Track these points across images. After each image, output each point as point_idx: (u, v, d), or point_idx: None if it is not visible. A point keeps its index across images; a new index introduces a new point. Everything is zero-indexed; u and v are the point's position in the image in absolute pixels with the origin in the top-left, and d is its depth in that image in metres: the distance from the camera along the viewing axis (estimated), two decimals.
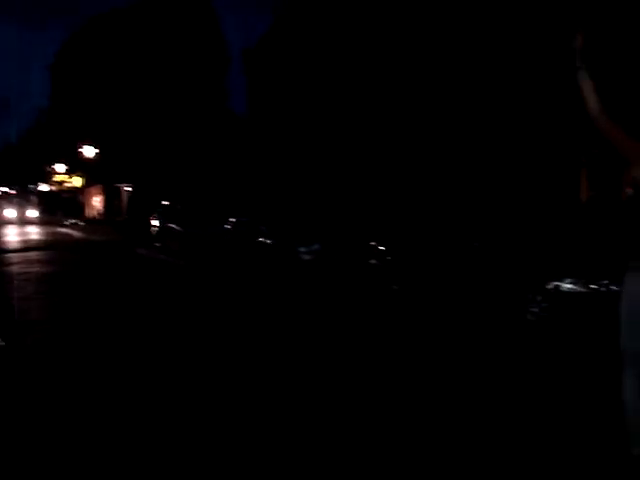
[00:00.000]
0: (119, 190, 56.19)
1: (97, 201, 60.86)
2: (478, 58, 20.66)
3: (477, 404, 7.19)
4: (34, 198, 63.06)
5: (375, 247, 14.78)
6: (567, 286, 9.97)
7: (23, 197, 63.61)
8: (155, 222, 28.14)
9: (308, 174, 29.84)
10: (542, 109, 17.96)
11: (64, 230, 45.56)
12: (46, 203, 65.05)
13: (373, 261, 14.81)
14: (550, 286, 10.14)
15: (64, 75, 63.53)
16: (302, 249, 17.90)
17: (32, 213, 56.89)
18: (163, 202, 28.68)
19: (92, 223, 52.48)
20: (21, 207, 58.52)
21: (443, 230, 13.47)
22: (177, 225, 25.47)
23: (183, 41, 49.15)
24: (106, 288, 17.05)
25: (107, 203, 57.34)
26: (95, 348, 9.98)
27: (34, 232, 41.54)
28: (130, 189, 53.48)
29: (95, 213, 60.53)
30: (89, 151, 48.72)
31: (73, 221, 53.69)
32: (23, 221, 53.20)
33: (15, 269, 21.21)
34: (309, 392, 7.68)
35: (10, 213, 56.14)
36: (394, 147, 24.49)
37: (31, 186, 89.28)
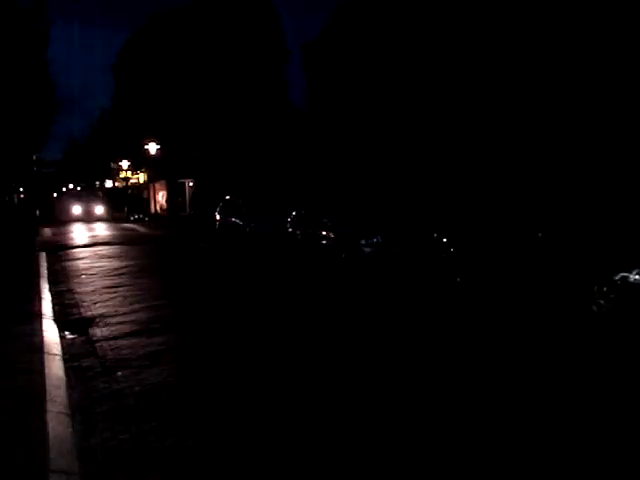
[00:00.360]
0: (182, 185, 57.07)
1: (161, 196, 61.96)
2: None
3: (546, 399, 7.15)
4: (100, 194, 63.37)
5: (438, 239, 14.72)
6: (635, 277, 9.77)
7: (89, 194, 63.71)
8: (218, 216, 28.52)
9: (369, 166, 29.80)
10: (606, 100, 17.62)
11: (129, 225, 46.52)
12: (111, 199, 65.87)
13: (435, 253, 14.75)
14: (617, 277, 9.96)
15: (127, 74, 64.67)
16: (363, 242, 17.93)
17: (98, 209, 56.91)
18: (226, 197, 29.03)
19: (156, 218, 53.44)
20: (87, 204, 57.62)
21: (507, 221, 13.34)
22: (239, 219, 25.78)
23: (243, 36, 49.48)
24: (169, 282, 17.40)
25: (171, 198, 58.28)
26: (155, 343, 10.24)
27: (101, 228, 42.52)
28: (193, 184, 54.26)
29: (159, 208, 61.61)
30: (153, 148, 49.57)
31: (138, 216, 54.73)
32: (90, 217, 53.36)
33: (83, 264, 21.81)
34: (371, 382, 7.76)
35: (76, 210, 56.20)
36: (457, 139, 24.28)
37: (97, 183, 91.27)
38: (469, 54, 23.77)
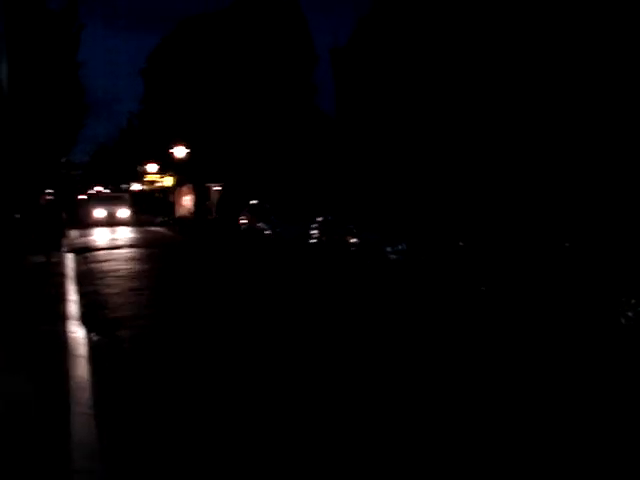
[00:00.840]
0: (209, 189, 57.32)
1: (187, 200, 62.28)
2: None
3: (569, 412, 7.07)
4: (126, 197, 60.96)
5: (463, 247, 14.63)
6: None
7: (114, 197, 61.65)
8: (243, 221, 28.62)
9: (396, 173, 29.73)
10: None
11: (155, 229, 46.83)
12: (137, 202, 65.82)
13: (460, 261, 14.66)
14: None
15: (155, 79, 65.19)
16: (389, 248, 17.87)
17: (123, 213, 54.52)
18: (251, 201, 29.11)
19: (182, 222, 53.73)
20: (112, 206, 54.93)
21: (533, 231, 13.22)
22: (265, 224, 25.83)
23: (271, 41, 49.71)
24: (191, 284, 17.46)
25: (197, 202, 58.55)
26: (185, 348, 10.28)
27: (124, 231, 42.79)
28: (219, 188, 54.50)
29: (185, 212, 61.94)
30: (180, 151, 49.87)
31: (164, 220, 55.04)
32: (114, 221, 52.16)
33: (108, 266, 21.97)
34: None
35: (99, 213, 53.93)
36: (487, 147, 24.14)
37: (124, 186, 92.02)
38: (499, 59, 23.63)
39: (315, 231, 22.20)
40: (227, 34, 50.08)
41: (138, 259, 24.89)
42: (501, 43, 23.53)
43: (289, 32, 51.39)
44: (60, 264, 20.97)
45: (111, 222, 51.13)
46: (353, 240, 19.27)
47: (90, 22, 61.41)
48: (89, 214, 52.88)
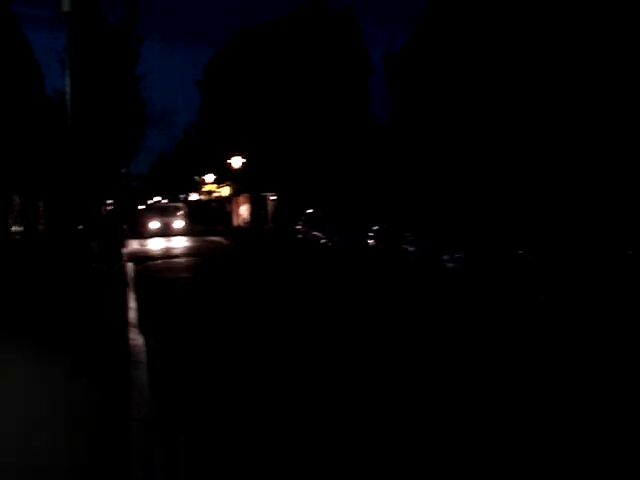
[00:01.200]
0: (265, 199, 57.80)
1: (244, 210, 62.87)
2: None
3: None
4: (181, 207, 59.56)
5: (522, 255, 14.41)
6: None
7: (170, 207, 60.53)
8: (300, 230, 28.75)
9: (453, 181, 29.52)
10: None
11: (212, 238, 47.33)
12: (194, 212, 66.52)
13: (519, 269, 14.45)
14: None
15: (212, 90, 66.11)
16: (446, 257, 17.72)
17: (178, 223, 52.90)
18: (307, 210, 29.21)
19: (239, 231, 54.19)
20: (167, 217, 53.39)
21: (594, 238, 12.95)
22: (321, 232, 25.89)
23: (326, 52, 49.97)
24: (247, 295, 17.56)
25: (253, 212, 59.10)
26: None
27: (181, 241, 43.26)
28: (275, 198, 54.89)
29: (241, 222, 62.54)
30: (236, 161, 50.43)
31: (220, 229, 55.67)
32: (169, 231, 51.09)
33: (164, 275, 22.28)
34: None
35: (154, 224, 52.45)
36: (544, 153, 23.80)
37: (182, 196, 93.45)
38: (558, 66, 23.31)
39: (371, 240, 22.14)
40: (282, 45, 50.52)
41: (196, 267, 25.20)
42: (561, 49, 23.19)
43: (344, 43, 51.56)
44: (120, 273, 21.36)
45: (166, 233, 50.37)
46: (410, 249, 19.16)
47: (148, 35, 62.61)
48: (144, 225, 52.80)
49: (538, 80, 24.26)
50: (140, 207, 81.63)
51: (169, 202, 75.80)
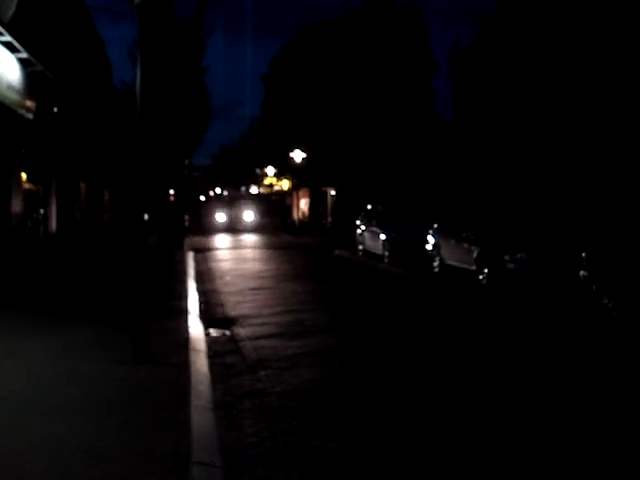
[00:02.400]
0: (325, 193, 57.85)
1: (303, 204, 63.12)
2: None
3: None
4: (252, 199, 57.05)
5: (586, 258, 14.10)
6: None
7: (239, 198, 58.73)
8: (359, 225, 28.65)
9: (516, 181, 29.07)
10: None
11: (272, 232, 47.66)
12: (256, 205, 66.30)
13: (583, 272, 14.14)
14: None
15: (276, 84, 66.41)
16: (507, 257, 17.46)
17: (248, 216, 48.96)
18: (367, 206, 29.08)
19: (298, 225, 54.54)
20: (236, 210, 50.36)
21: None
22: (380, 228, 25.75)
23: (391, 47, 49.68)
24: (310, 287, 17.63)
25: (313, 206, 59.22)
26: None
27: (248, 234, 43.64)
28: (335, 192, 54.90)
29: (301, 215, 62.83)
30: (298, 156, 50.52)
31: (281, 222, 55.98)
32: (237, 226, 47.82)
33: (227, 266, 22.53)
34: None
35: (221, 217, 49.28)
36: (614, 150, 23.25)
37: (242, 188, 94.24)
38: (630, 65, 22.73)
39: (430, 237, 21.93)
40: (347, 40, 50.42)
41: (254, 259, 25.41)
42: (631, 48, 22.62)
43: (409, 38, 51.21)
44: (182, 262, 21.70)
45: (235, 227, 46.74)
46: (470, 247, 18.91)
47: (216, 30, 63.40)
48: (210, 218, 49.40)
49: (606, 79, 23.70)
50: (202, 198, 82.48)
51: (236, 194, 70.27)
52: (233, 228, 46.93)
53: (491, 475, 5.66)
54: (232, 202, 54.26)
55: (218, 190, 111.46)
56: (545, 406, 7.45)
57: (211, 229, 47.28)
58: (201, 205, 67.74)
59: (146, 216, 8.99)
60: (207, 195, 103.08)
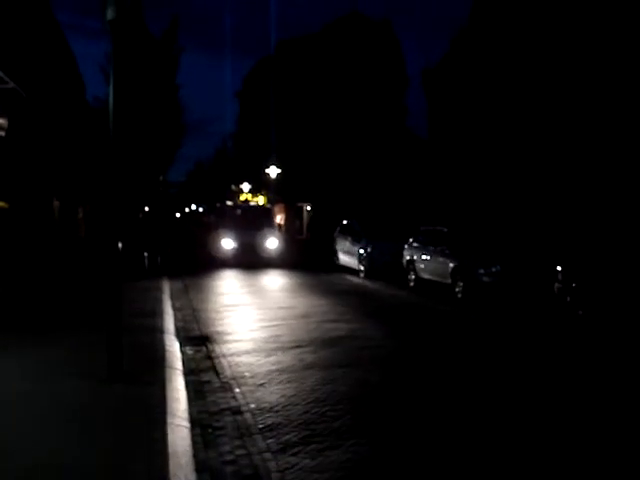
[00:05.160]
0: (300, 209, 57.93)
1: (279, 219, 63.18)
2: None
3: None
4: (272, 212, 35.30)
5: (560, 271, 14.24)
6: None
7: (257, 212, 34.32)
8: (336, 239, 28.73)
9: (491, 195, 29.30)
10: None
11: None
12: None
13: (558, 285, 14.28)
14: None
15: (250, 100, 66.54)
16: (481, 271, 17.57)
17: (271, 243, 29.24)
18: (343, 221, 29.18)
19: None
20: (252, 231, 28.94)
21: (634, 253, 12.75)
22: (357, 243, 25.85)
23: (364, 62, 49.99)
24: (286, 303, 17.58)
25: (289, 221, 59.28)
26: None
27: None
28: (310, 208, 55.00)
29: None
30: (273, 172, 50.54)
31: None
32: (255, 256, 28.43)
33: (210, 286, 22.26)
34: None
35: (228, 243, 28.85)
36: (582, 171, 23.54)
37: (218, 204, 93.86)
38: (607, 83, 23.03)
39: (405, 252, 22.05)
40: (321, 57, 50.68)
41: (231, 277, 25.21)
42: (610, 64, 22.95)
43: (382, 54, 51.57)
44: (156, 281, 21.45)
45: (252, 259, 28.19)
46: (445, 261, 19.03)
47: (189, 47, 63.51)
48: (216, 244, 29.53)
49: (583, 96, 24.01)
50: (177, 215, 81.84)
51: (252, 206, 46.11)
52: (252, 263, 27.92)
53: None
54: (254, 217, 31.30)
55: (193, 207, 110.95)
56: (525, 407, 7.50)
57: (213, 261, 29.31)
58: (201, 226, 53.85)
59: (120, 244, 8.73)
60: (182, 212, 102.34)
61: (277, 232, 31.43)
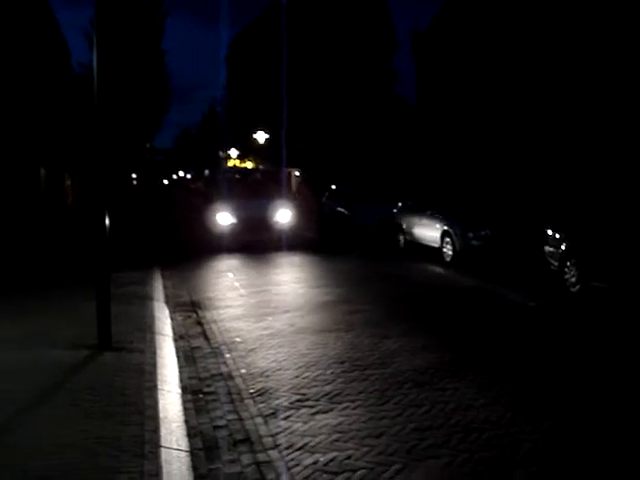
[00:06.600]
0: (289, 174, 57.75)
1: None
2: None
3: None
4: (282, 177, 31.17)
5: (552, 234, 14.21)
6: None
7: (264, 178, 27.54)
8: (324, 205, 28.68)
9: (479, 157, 29.21)
10: None
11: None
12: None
13: (547, 248, 14.29)
14: None
15: (238, 65, 65.92)
16: (471, 234, 17.56)
17: (283, 215, 22.42)
18: (332, 186, 29.10)
19: None
20: (258, 201, 22.39)
21: (625, 216, 12.71)
22: (345, 209, 25.79)
23: (353, 27, 49.44)
24: (272, 270, 17.52)
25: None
26: None
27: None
28: (299, 173, 54.81)
29: None
30: (261, 137, 50.22)
31: None
32: (261, 232, 22.01)
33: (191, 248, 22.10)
34: None
35: (225, 218, 21.86)
36: (572, 128, 23.46)
37: (206, 171, 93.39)
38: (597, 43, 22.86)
39: (394, 216, 22.00)
40: (309, 20, 50.09)
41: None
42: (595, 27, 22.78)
43: (371, 17, 51.00)
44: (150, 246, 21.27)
45: (257, 238, 21.96)
46: (435, 225, 19.02)
47: (176, 12, 62.69)
48: (212, 219, 22.11)
49: (572, 57, 23.84)
50: (165, 182, 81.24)
51: (253, 169, 39.47)
52: (259, 242, 21.82)
53: None
54: (261, 185, 25.10)
55: (181, 173, 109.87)
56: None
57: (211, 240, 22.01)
58: (195, 196, 41.16)
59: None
60: (170, 178, 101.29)
61: (290, 202, 24.65)
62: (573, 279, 13.02)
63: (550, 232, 14.27)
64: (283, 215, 22.25)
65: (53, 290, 12.89)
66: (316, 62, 48.68)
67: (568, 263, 13.27)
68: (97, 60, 8.53)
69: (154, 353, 8.38)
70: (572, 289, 12.98)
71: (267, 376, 7.81)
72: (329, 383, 7.50)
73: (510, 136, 27.21)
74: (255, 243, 21.47)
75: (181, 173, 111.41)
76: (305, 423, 6.32)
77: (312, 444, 5.82)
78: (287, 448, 5.76)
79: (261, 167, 42.07)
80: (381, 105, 47.37)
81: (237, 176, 26.85)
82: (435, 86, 36.13)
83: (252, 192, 23.19)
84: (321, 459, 5.51)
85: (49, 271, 15.35)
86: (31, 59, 25.04)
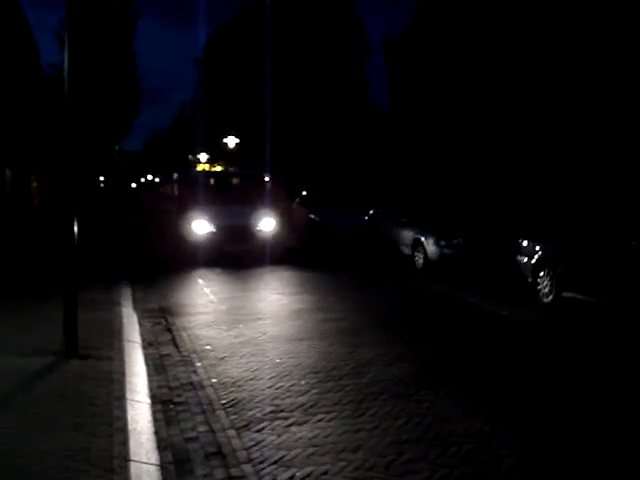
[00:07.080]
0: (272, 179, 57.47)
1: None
2: None
3: None
4: (267, 182, 25.50)
5: (524, 244, 14.21)
6: None
7: (245, 181, 23.25)
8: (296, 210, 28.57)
9: (451, 166, 29.27)
10: None
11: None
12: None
13: (519, 257, 14.28)
14: None
15: (209, 68, 65.54)
16: (443, 242, 17.53)
17: (266, 224, 20.25)
18: (302, 192, 28.98)
19: None
20: (239, 208, 20.15)
21: (599, 228, 12.76)
22: (316, 215, 25.68)
23: (324, 33, 49.45)
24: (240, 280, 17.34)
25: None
26: None
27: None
28: (269, 179, 54.61)
29: None
30: (231, 141, 49.91)
31: None
32: (241, 243, 19.81)
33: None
34: None
35: (202, 227, 19.45)
36: (543, 142, 23.59)
37: (175, 174, 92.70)
38: (564, 52, 23.00)
39: (366, 224, 21.94)
40: (281, 25, 49.99)
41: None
42: (568, 31, 22.94)
43: (342, 23, 51.05)
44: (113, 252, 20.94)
45: (238, 250, 19.71)
46: (407, 233, 18.97)
47: (148, 14, 62.29)
48: (187, 227, 19.65)
49: (543, 67, 23.99)
50: (133, 185, 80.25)
51: (234, 172, 36.20)
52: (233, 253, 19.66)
53: None
54: (242, 189, 22.62)
55: (149, 177, 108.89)
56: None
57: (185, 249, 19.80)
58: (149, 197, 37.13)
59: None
60: (139, 182, 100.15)
61: (276, 210, 22.15)
62: (546, 289, 13.03)
63: (523, 242, 14.28)
64: (267, 223, 20.36)
65: (19, 297, 12.51)
66: (287, 66, 48.61)
67: (541, 273, 13.27)
68: (68, 61, 8.32)
69: (122, 360, 8.15)
70: (545, 300, 12.99)
71: (239, 386, 7.63)
72: (304, 394, 7.35)
73: (484, 145, 27.30)
74: (237, 254, 19.39)
75: (149, 177, 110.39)
76: (279, 436, 6.14)
77: (287, 458, 5.65)
78: (261, 462, 5.58)
79: (241, 170, 39.44)
80: (353, 111, 47.38)
81: (214, 180, 24.37)
82: (407, 93, 36.19)
83: (233, 198, 20.95)
84: (297, 474, 5.34)
85: (15, 276, 14.96)
86: None
